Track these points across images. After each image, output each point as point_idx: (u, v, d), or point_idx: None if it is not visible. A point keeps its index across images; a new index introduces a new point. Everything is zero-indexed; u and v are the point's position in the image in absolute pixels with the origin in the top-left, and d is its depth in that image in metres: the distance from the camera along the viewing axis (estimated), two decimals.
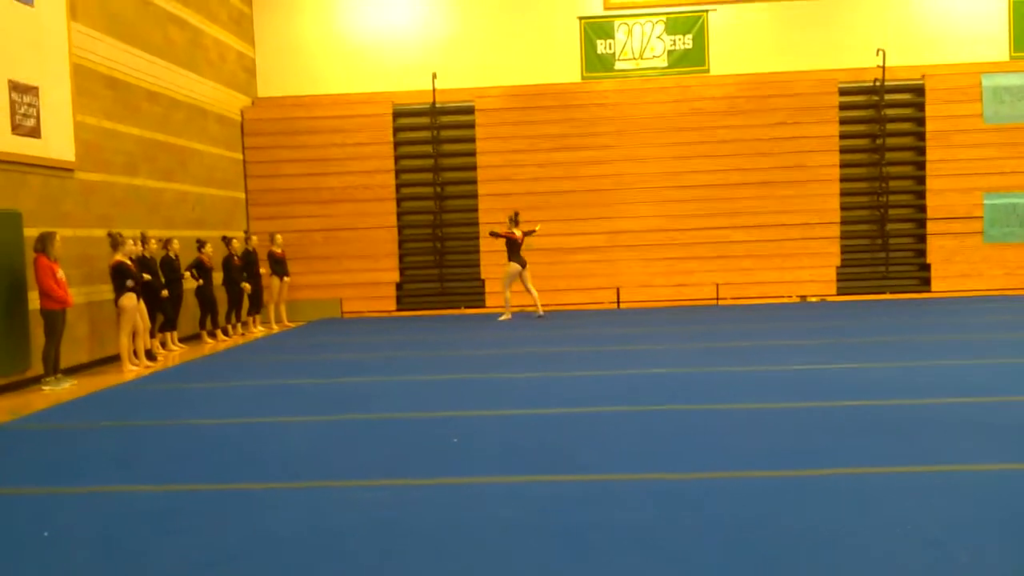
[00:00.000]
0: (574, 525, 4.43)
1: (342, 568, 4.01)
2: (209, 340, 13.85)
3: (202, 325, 13.87)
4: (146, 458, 6.33)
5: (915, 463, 5.41)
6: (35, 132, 10.27)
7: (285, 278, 15.74)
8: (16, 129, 9.93)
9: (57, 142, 10.74)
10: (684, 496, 4.89)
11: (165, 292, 12.10)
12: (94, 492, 5.46)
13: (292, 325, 16.06)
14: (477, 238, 17.39)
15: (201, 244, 13.64)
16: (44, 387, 9.68)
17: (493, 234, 15.31)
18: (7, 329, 9.63)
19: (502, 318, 15.30)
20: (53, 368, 9.83)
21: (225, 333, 14.31)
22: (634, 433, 6.49)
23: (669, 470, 5.45)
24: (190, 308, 13.58)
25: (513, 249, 15.16)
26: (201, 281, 13.43)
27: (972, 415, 6.66)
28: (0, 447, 7.03)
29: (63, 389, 9.64)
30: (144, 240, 11.91)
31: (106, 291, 11.33)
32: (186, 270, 13.09)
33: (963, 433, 6.13)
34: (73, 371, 10.61)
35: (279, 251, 15.67)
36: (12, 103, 9.87)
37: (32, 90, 10.22)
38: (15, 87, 9.91)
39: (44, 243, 9.69)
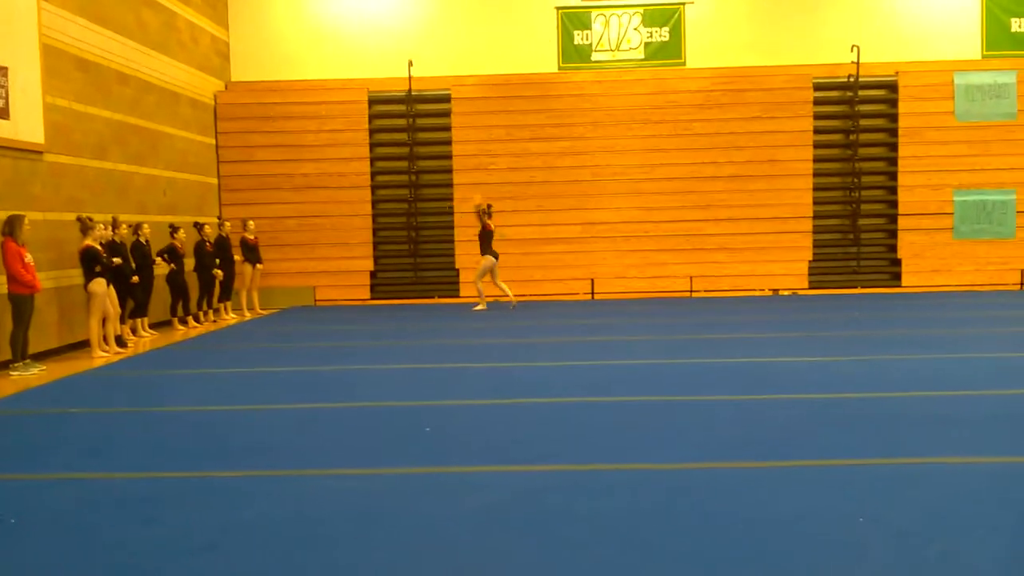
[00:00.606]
0: (547, 515, 4.43)
1: (316, 556, 3.98)
2: (180, 327, 13.71)
3: (173, 312, 13.73)
4: (117, 445, 6.25)
5: (883, 455, 5.46)
6: (3, 113, 10.10)
7: (258, 265, 15.61)
8: None
9: (26, 124, 10.56)
10: (657, 486, 4.90)
11: (135, 278, 11.96)
12: (64, 479, 5.39)
13: (264, 312, 15.94)
14: (452, 227, 17.33)
15: (174, 229, 13.50)
16: (12, 373, 9.54)
17: (481, 211, 15.18)
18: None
19: (477, 308, 15.28)
20: (21, 354, 9.68)
21: (196, 320, 14.17)
22: (607, 424, 6.51)
23: (642, 460, 5.46)
24: (161, 294, 13.42)
25: (487, 241, 15.14)
26: (173, 266, 13.29)
27: (941, 408, 6.74)
28: None
29: (31, 375, 9.51)
30: (115, 225, 11.76)
31: (75, 276, 11.17)
32: (157, 255, 12.95)
33: (932, 426, 6.20)
34: (42, 356, 10.46)
35: (252, 237, 15.53)
36: None
37: (1, 71, 10.04)
38: None
39: (12, 226, 9.53)
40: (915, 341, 10.60)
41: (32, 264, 9.70)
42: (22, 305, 9.60)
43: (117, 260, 11.29)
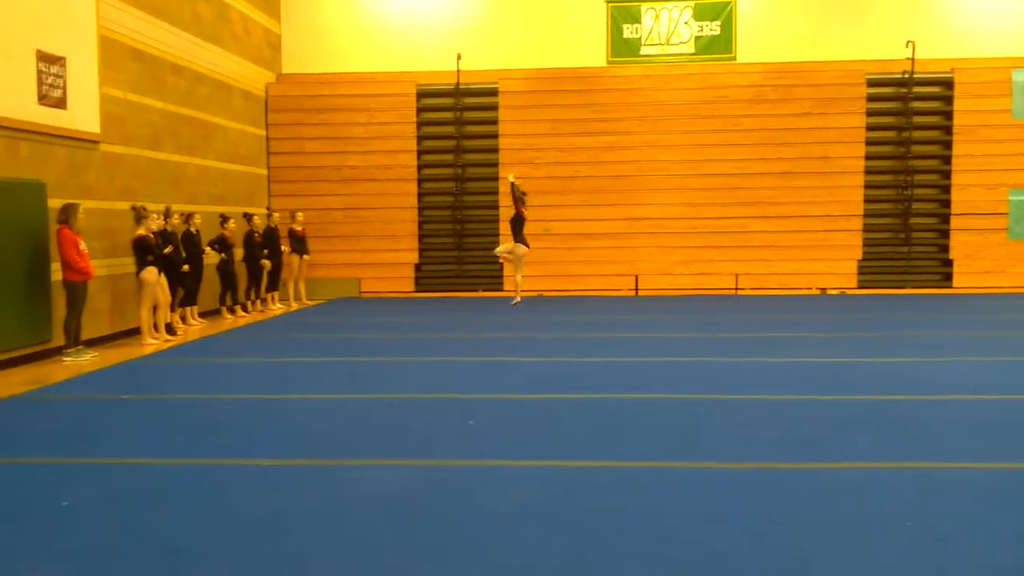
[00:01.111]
0: (587, 511, 4.44)
1: (356, 545, 4.03)
2: (229, 316, 13.91)
3: (222, 300, 13.95)
4: (165, 431, 6.38)
5: (931, 459, 5.38)
6: (61, 103, 10.32)
7: (304, 256, 15.77)
8: (43, 100, 9.98)
9: (83, 114, 10.78)
10: (698, 485, 4.88)
11: (186, 267, 12.16)
12: (113, 464, 5.51)
13: (311, 303, 16.11)
14: (497, 221, 17.36)
15: (224, 219, 13.72)
16: (65, 359, 9.76)
17: (518, 193, 15.04)
18: (29, 299, 9.70)
19: (515, 302, 15.19)
20: (74, 340, 9.90)
21: (244, 309, 14.37)
22: (650, 421, 6.49)
23: (684, 459, 5.45)
24: (210, 283, 13.63)
25: (520, 229, 15.08)
26: (224, 256, 13.52)
27: (990, 413, 6.62)
28: (21, 417, 7.11)
29: (84, 361, 9.72)
30: (167, 214, 11.96)
31: (128, 264, 11.39)
32: (208, 245, 13.16)
33: (980, 430, 6.09)
34: (94, 343, 10.69)
35: (299, 229, 15.70)
36: (40, 73, 9.91)
37: (59, 60, 10.26)
38: (43, 57, 9.95)
39: (68, 214, 9.74)
40: (966, 343, 10.41)
41: (86, 252, 9.91)
42: (76, 292, 9.81)
43: (169, 249, 11.50)
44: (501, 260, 15.58)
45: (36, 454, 5.82)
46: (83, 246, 9.85)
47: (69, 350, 9.83)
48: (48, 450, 5.93)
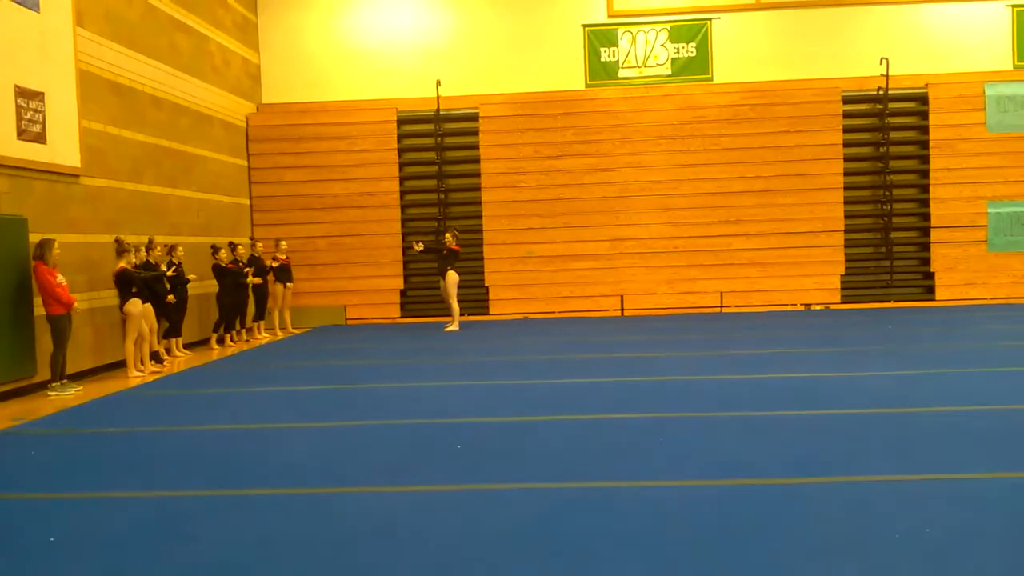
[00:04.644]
0: (576, 533, 4.43)
1: (344, 573, 4.00)
2: (216, 346, 13.85)
3: (215, 329, 13.91)
4: (152, 464, 6.33)
5: (917, 472, 5.41)
6: (41, 138, 10.30)
7: (288, 284, 15.72)
8: (22, 135, 9.96)
9: (63, 148, 10.76)
10: (686, 504, 4.88)
11: (171, 297, 12.11)
12: (100, 498, 5.47)
13: (296, 331, 16.06)
14: (481, 245, 17.40)
15: (215, 250, 13.72)
16: (50, 393, 9.69)
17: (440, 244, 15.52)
18: (12, 334, 9.64)
19: (449, 327, 15.23)
20: (60, 374, 9.83)
21: (232, 339, 14.31)
22: (639, 441, 6.49)
23: (672, 478, 5.45)
24: (193, 314, 13.59)
25: (453, 260, 15.21)
26: (260, 280, 14.44)
27: (974, 424, 6.66)
28: (6, 452, 7.04)
29: (68, 395, 9.65)
30: (150, 246, 11.93)
31: (110, 297, 11.34)
32: (245, 269, 14.07)
33: (966, 442, 6.12)
34: (78, 377, 10.61)
35: (283, 257, 15.67)
36: (18, 108, 9.90)
37: (38, 96, 10.25)
38: (21, 93, 9.94)
39: (43, 250, 9.69)
40: (950, 356, 10.48)
41: (64, 285, 9.84)
42: (60, 324, 9.75)
43: (169, 271, 11.97)
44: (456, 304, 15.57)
45: (21, 489, 5.76)
46: (60, 279, 9.79)
47: (54, 384, 9.76)
48: (34, 485, 5.88)
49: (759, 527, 4.42)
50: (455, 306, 15.33)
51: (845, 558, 3.98)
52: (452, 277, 15.17)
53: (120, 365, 11.38)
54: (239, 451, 6.67)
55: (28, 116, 10.06)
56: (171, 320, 12.48)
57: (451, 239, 15.35)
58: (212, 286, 13.98)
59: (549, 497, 5.11)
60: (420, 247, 15.64)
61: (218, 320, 13.94)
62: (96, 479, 5.98)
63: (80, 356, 10.93)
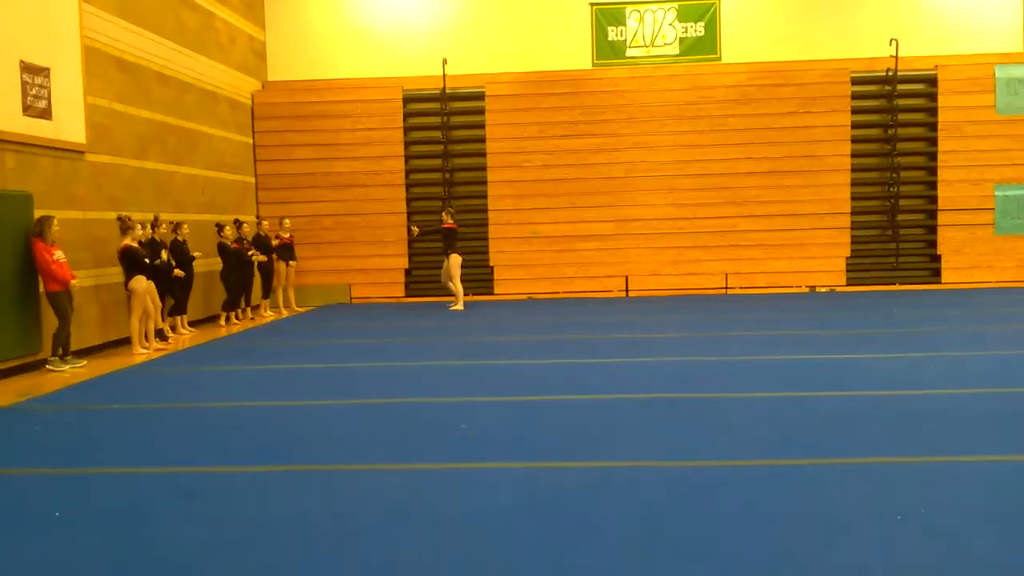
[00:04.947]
0: (581, 511, 4.44)
1: (347, 551, 4.03)
2: (223, 324, 13.88)
3: (225, 307, 13.93)
4: (155, 441, 6.36)
5: (924, 454, 5.41)
6: (46, 114, 10.28)
7: (292, 263, 15.70)
8: (27, 110, 9.94)
9: (68, 124, 10.75)
10: (693, 484, 4.89)
11: (179, 271, 12.14)
12: (104, 473, 5.49)
13: (301, 310, 16.07)
14: (486, 225, 17.38)
15: (220, 227, 13.72)
16: (49, 367, 9.72)
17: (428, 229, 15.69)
18: (19, 311, 9.66)
19: (454, 307, 15.24)
20: (63, 349, 9.85)
21: (236, 317, 14.34)
22: (643, 421, 6.50)
23: (678, 458, 5.46)
24: (198, 292, 13.61)
25: (453, 239, 15.22)
26: (265, 258, 14.53)
27: (981, 406, 6.65)
28: (11, 428, 7.08)
29: (64, 371, 9.67)
30: (155, 224, 11.93)
31: (116, 274, 11.35)
32: (250, 252, 14.07)
33: (972, 424, 6.12)
34: (84, 353, 10.64)
35: (287, 236, 15.64)
36: (24, 84, 9.88)
37: (43, 71, 10.23)
38: (27, 68, 9.92)
39: (41, 226, 9.68)
40: (956, 338, 10.46)
41: (62, 261, 9.82)
42: (60, 301, 9.74)
43: (165, 256, 11.78)
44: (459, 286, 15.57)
45: (26, 465, 5.79)
46: (57, 255, 9.76)
47: (53, 358, 9.79)
48: (38, 461, 5.91)
49: (760, 511, 4.42)
50: (459, 287, 15.33)
51: (848, 539, 3.98)
52: (454, 259, 15.17)
53: (125, 342, 11.42)
54: (239, 428, 6.69)
55: (34, 92, 10.04)
56: (176, 297, 12.49)
57: (447, 217, 15.36)
58: (217, 264, 13.99)
59: (553, 477, 5.12)
60: (416, 231, 15.72)
61: (226, 299, 13.94)
62: (101, 455, 6.01)
63: (86, 332, 10.97)
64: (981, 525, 4.16)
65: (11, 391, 8.57)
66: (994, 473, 5.02)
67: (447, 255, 15.24)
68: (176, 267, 12.19)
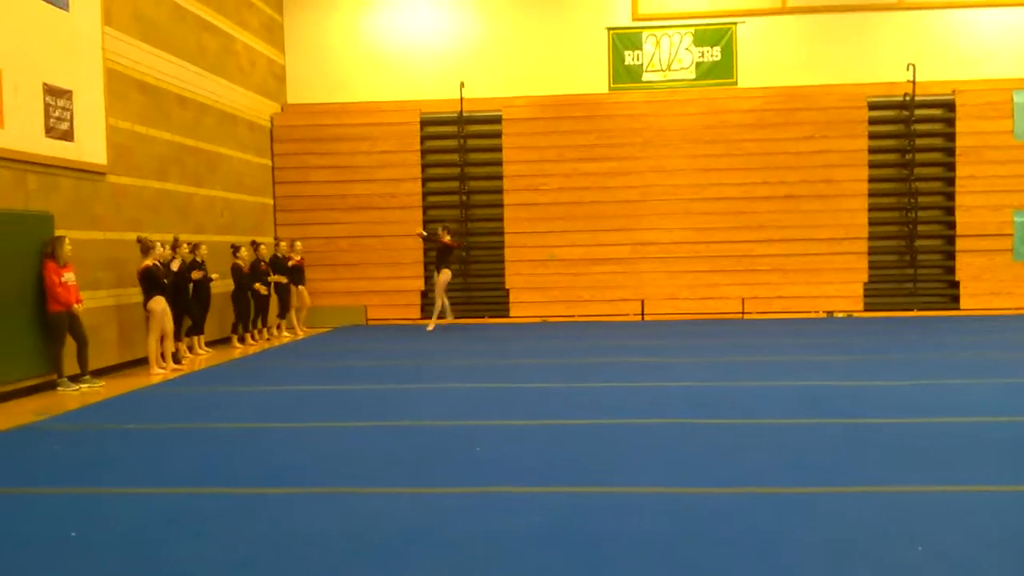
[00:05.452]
0: (593, 536, 4.42)
1: (359, 573, 4.01)
2: (238, 345, 13.92)
3: (234, 329, 13.98)
4: (171, 461, 6.38)
5: (940, 483, 5.35)
6: (68, 135, 10.40)
7: (300, 286, 15.65)
8: (50, 132, 10.06)
9: (89, 145, 10.87)
10: (705, 510, 4.86)
11: (197, 273, 12.34)
12: (121, 493, 5.51)
13: (305, 332, 15.96)
14: (502, 247, 17.41)
15: (236, 249, 13.80)
16: (60, 388, 9.77)
17: (432, 233, 15.80)
18: (38, 330, 9.72)
19: (430, 329, 15.57)
20: (57, 370, 9.86)
21: (252, 338, 14.39)
22: (656, 446, 6.47)
23: (691, 484, 5.42)
24: (216, 312, 13.68)
25: (446, 256, 15.57)
26: (284, 279, 14.70)
27: (999, 435, 6.59)
28: (29, 446, 7.11)
29: (72, 391, 9.71)
30: (176, 244, 12.02)
31: (135, 294, 11.43)
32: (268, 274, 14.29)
33: (990, 453, 6.06)
34: (102, 373, 10.71)
35: (298, 258, 15.59)
36: (47, 106, 10.01)
37: (66, 94, 10.36)
38: (49, 91, 10.05)
39: (53, 247, 9.73)
40: (974, 366, 10.37)
41: (71, 284, 9.86)
42: (55, 321, 9.74)
43: (198, 273, 12.21)
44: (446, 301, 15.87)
45: (42, 484, 5.81)
46: (66, 277, 9.78)
47: (62, 380, 9.84)
48: (54, 480, 5.93)
49: (773, 538, 4.39)
50: (438, 304, 15.70)
51: (863, 569, 3.94)
52: (443, 275, 15.53)
53: (143, 362, 11.47)
54: (254, 449, 6.70)
55: (56, 114, 10.16)
56: (194, 318, 12.56)
57: (442, 233, 15.55)
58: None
59: (566, 501, 5.10)
60: (423, 233, 16.00)
61: (235, 320, 14.00)
62: (117, 475, 6.03)
63: (104, 352, 11.03)
64: (996, 554, 4.11)
65: (29, 409, 8.62)
66: (1016, 504, 4.97)
67: (439, 270, 15.55)
68: (194, 289, 12.31)
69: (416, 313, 17.49)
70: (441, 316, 15.82)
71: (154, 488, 5.59)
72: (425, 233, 16.08)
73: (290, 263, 15.28)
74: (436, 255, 15.80)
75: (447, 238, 15.60)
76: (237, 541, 4.51)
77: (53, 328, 9.78)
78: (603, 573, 3.95)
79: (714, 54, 17.35)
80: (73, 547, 4.47)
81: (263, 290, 14.52)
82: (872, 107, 17.01)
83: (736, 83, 17.31)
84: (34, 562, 4.26)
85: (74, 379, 9.94)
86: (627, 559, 4.10)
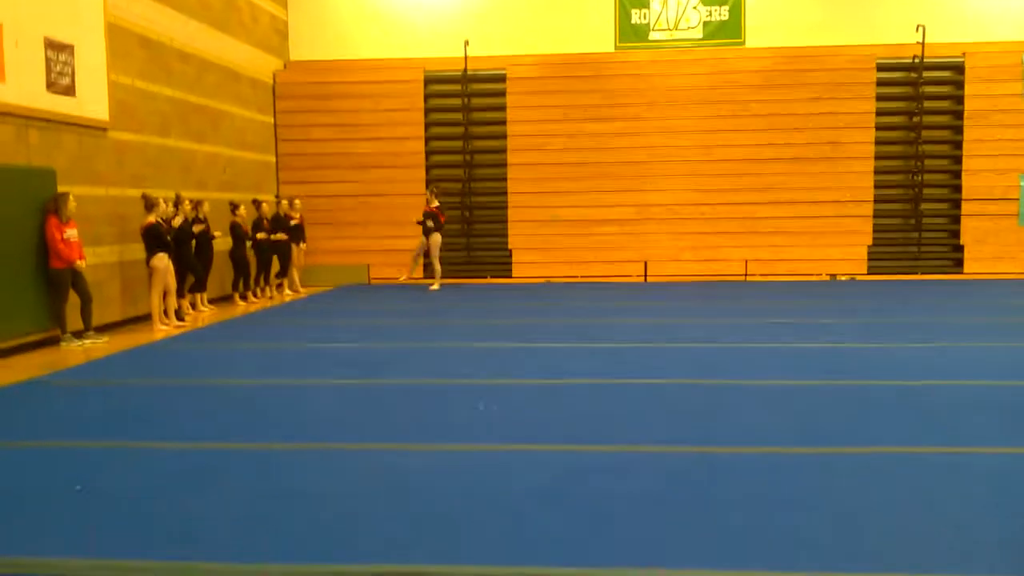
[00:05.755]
0: (596, 495, 4.45)
1: (361, 529, 4.05)
2: (240, 302, 13.95)
3: (235, 287, 14.00)
4: (173, 416, 6.41)
5: (940, 444, 5.38)
6: (70, 90, 10.34)
7: (301, 244, 15.63)
8: (51, 87, 10.00)
9: (91, 101, 10.80)
10: (708, 469, 4.89)
11: (217, 232, 12.54)
12: (123, 447, 5.54)
13: (301, 293, 15.88)
14: (505, 207, 17.36)
15: (234, 207, 13.75)
16: (63, 343, 9.81)
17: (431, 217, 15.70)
18: (42, 286, 9.73)
19: (433, 288, 15.66)
20: (61, 327, 9.88)
21: (255, 295, 14.42)
22: (658, 406, 6.49)
23: (693, 443, 5.45)
24: (219, 270, 13.68)
25: (437, 220, 15.64)
26: (285, 237, 14.59)
27: (999, 397, 6.60)
28: (33, 401, 7.15)
29: (74, 347, 9.74)
30: (178, 201, 11.99)
31: (138, 251, 11.43)
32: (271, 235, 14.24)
33: (989, 415, 6.07)
34: (105, 329, 10.74)
35: (297, 216, 15.54)
36: (48, 61, 9.93)
37: (67, 48, 10.27)
38: (51, 45, 9.96)
39: (56, 203, 9.69)
40: (976, 329, 10.37)
41: (74, 241, 9.84)
42: (57, 278, 9.73)
43: (199, 227, 12.29)
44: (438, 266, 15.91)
45: (46, 438, 5.85)
46: (69, 234, 9.75)
47: (66, 335, 9.87)
48: (59, 433, 5.97)
49: (776, 496, 4.41)
50: (438, 267, 15.84)
51: (865, 528, 3.97)
52: (436, 238, 15.61)
53: (147, 318, 11.50)
54: (256, 405, 6.73)
55: (58, 68, 10.09)
56: (196, 275, 12.57)
57: (431, 198, 15.63)
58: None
59: (567, 460, 5.13)
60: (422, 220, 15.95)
61: (235, 277, 14.00)
62: (122, 429, 6.06)
63: (108, 308, 11.06)
64: (998, 514, 4.13)
65: (33, 365, 8.66)
66: (1015, 465, 4.99)
67: (429, 235, 15.60)
68: (197, 245, 12.29)
69: (419, 272, 17.45)
70: (428, 276, 15.87)
71: (156, 442, 5.62)
72: (421, 216, 15.93)
73: (292, 222, 15.25)
74: (426, 218, 15.59)
75: (435, 203, 15.54)
76: (237, 497, 4.54)
77: (55, 284, 9.78)
78: (607, 532, 3.98)
79: (722, 13, 17.15)
80: (78, 500, 4.51)
81: (282, 236, 14.47)
82: (880, 69, 16.85)
83: (744, 43, 17.14)
84: (38, 515, 4.30)
85: (78, 335, 9.97)
86: (630, 517, 4.13)
